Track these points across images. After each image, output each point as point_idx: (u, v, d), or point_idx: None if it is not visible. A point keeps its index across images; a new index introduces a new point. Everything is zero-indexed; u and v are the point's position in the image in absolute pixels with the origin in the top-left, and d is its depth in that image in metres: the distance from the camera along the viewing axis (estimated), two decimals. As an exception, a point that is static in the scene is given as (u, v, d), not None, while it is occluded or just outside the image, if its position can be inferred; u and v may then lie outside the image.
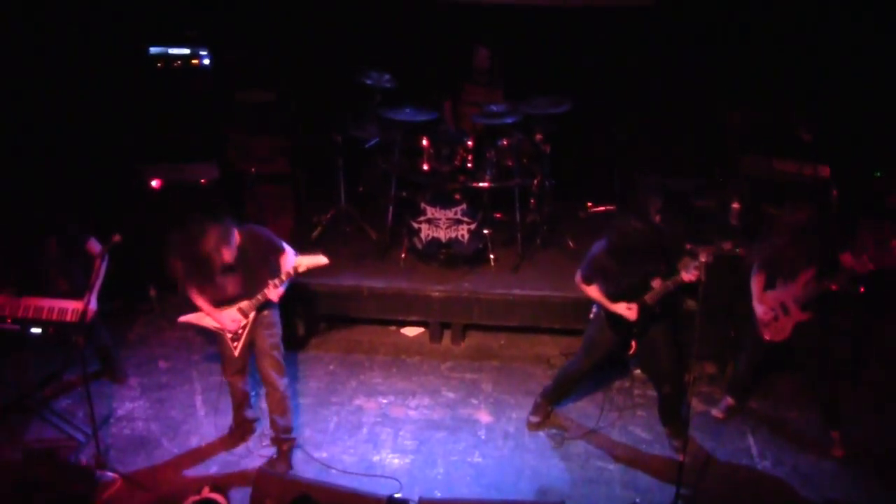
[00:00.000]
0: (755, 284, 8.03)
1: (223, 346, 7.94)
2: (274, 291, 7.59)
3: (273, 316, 7.93)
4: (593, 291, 7.75)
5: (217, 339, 7.97)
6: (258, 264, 7.62)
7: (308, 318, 9.98)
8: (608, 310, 7.73)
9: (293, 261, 7.63)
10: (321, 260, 7.58)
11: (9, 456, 7.84)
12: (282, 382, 7.94)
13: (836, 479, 7.84)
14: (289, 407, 8.01)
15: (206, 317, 7.82)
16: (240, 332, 7.79)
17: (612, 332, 7.84)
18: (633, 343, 7.81)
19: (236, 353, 7.89)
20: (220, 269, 7.46)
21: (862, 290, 8.31)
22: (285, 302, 7.97)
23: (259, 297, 7.61)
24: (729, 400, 8.66)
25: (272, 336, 7.90)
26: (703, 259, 7.00)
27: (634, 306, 7.61)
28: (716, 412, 8.66)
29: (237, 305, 7.69)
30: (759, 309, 7.98)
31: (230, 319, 7.71)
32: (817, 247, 7.63)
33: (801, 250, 7.67)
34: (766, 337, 7.99)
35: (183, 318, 7.92)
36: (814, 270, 7.65)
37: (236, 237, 7.40)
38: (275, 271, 7.66)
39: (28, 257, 8.14)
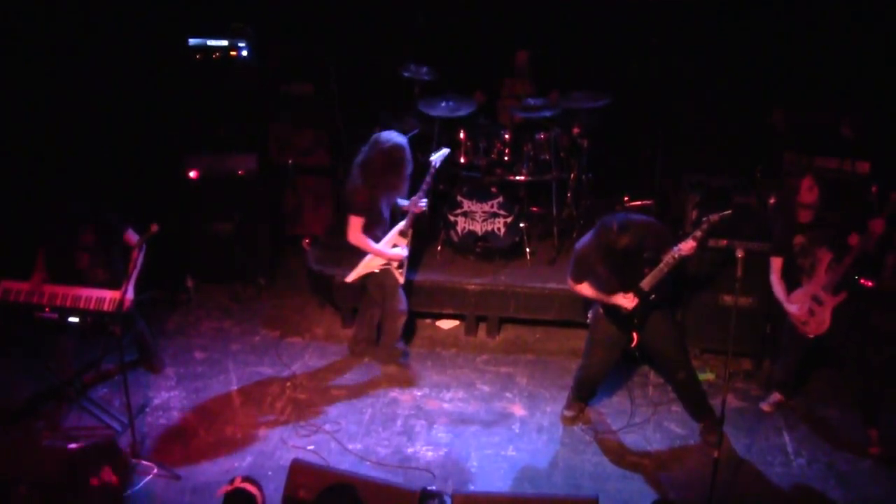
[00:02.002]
0: (775, 279, 8.07)
1: (389, 279, 8.72)
2: (421, 203, 8.66)
3: None
4: (585, 289, 7.76)
5: (377, 280, 8.74)
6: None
7: (344, 309, 10.02)
8: (606, 303, 7.71)
9: None
10: (444, 150, 8.80)
11: (47, 443, 7.92)
12: None
13: (872, 478, 7.74)
14: None
15: (372, 260, 8.61)
16: (406, 255, 8.75)
17: (612, 327, 7.81)
18: (635, 335, 7.78)
19: (402, 279, 8.81)
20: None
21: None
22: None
23: (410, 216, 8.66)
24: (777, 395, 8.61)
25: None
26: (698, 234, 7.08)
27: (631, 294, 7.59)
28: (764, 406, 8.61)
29: (397, 230, 8.63)
30: (793, 308, 7.96)
31: (392, 248, 8.63)
32: (830, 233, 7.65)
33: (813, 238, 7.73)
34: (810, 335, 7.93)
35: (351, 278, 8.70)
36: (831, 255, 7.66)
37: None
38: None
39: (66, 246, 8.21)
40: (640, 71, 11.42)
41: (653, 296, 7.60)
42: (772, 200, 9.42)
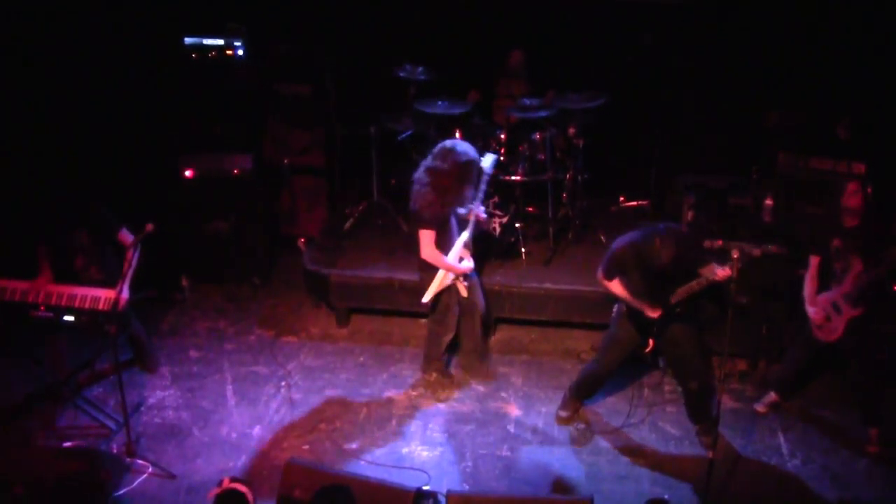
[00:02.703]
0: (809, 277, 8.03)
1: (453, 297, 8.49)
2: (479, 210, 8.37)
3: None
4: (615, 287, 7.71)
5: (447, 295, 8.47)
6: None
7: (339, 309, 10.02)
8: (630, 305, 7.71)
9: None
10: (492, 156, 8.51)
11: (42, 443, 7.93)
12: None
13: (868, 479, 7.76)
14: None
15: (445, 275, 8.29)
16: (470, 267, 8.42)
17: (631, 329, 7.81)
18: (651, 341, 7.78)
19: (467, 293, 8.51)
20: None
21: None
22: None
23: (471, 225, 8.37)
24: (773, 395, 8.61)
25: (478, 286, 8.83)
26: (735, 256, 6.99)
27: (657, 304, 7.58)
28: (759, 407, 8.62)
29: (462, 242, 8.31)
30: (811, 311, 7.94)
31: (463, 262, 8.34)
32: (866, 242, 7.63)
33: (850, 244, 7.68)
34: (820, 337, 7.94)
35: (427, 298, 8.38)
36: (862, 265, 7.64)
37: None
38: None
39: (61, 245, 8.19)
40: (634, 64, 11.41)
41: (678, 309, 7.60)
42: (768, 202, 9.41)
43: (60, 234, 8.18)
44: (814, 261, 8.02)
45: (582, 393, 8.44)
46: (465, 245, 8.35)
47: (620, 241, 7.62)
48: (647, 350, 7.80)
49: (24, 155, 10.29)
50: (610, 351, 8.12)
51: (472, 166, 8.00)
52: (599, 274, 7.78)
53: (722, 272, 7.24)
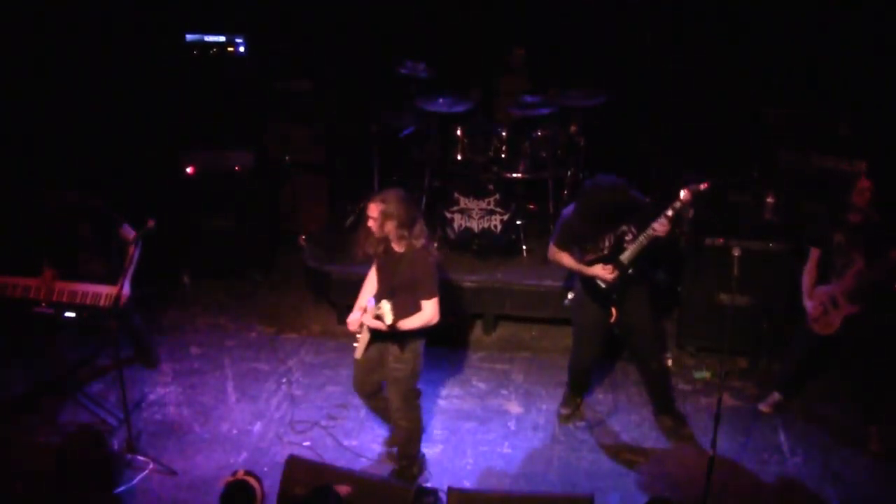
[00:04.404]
0: (807, 270, 8.02)
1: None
2: (369, 318, 6.85)
3: (406, 350, 7.11)
4: (566, 259, 7.69)
5: None
6: (404, 280, 6.94)
7: (340, 306, 10.02)
8: (584, 274, 7.64)
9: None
10: (382, 324, 6.67)
11: (43, 438, 7.92)
12: (399, 414, 7.43)
13: (868, 476, 7.74)
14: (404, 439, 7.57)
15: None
16: (358, 334, 7.19)
17: (592, 308, 7.76)
18: (614, 310, 7.69)
19: (356, 354, 7.24)
20: (375, 249, 7.05)
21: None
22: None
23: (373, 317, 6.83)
24: (777, 395, 8.59)
25: (396, 370, 7.19)
26: (677, 205, 6.99)
27: (610, 267, 7.49)
28: (763, 406, 8.58)
29: (374, 305, 6.77)
30: (809, 305, 7.93)
31: (353, 314, 7.22)
32: (869, 239, 7.63)
33: (853, 240, 7.68)
34: (816, 331, 7.93)
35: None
36: (864, 262, 7.63)
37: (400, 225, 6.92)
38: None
39: (63, 241, 8.19)
40: (635, 61, 11.41)
41: (631, 269, 7.54)
42: (769, 199, 9.40)
43: (63, 229, 8.18)
44: (814, 253, 8.01)
45: (577, 387, 8.45)
46: (376, 312, 6.73)
47: (568, 210, 7.56)
48: (612, 320, 7.72)
49: (28, 153, 10.29)
50: (582, 341, 8.12)
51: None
52: (550, 248, 7.75)
53: (659, 226, 7.15)
